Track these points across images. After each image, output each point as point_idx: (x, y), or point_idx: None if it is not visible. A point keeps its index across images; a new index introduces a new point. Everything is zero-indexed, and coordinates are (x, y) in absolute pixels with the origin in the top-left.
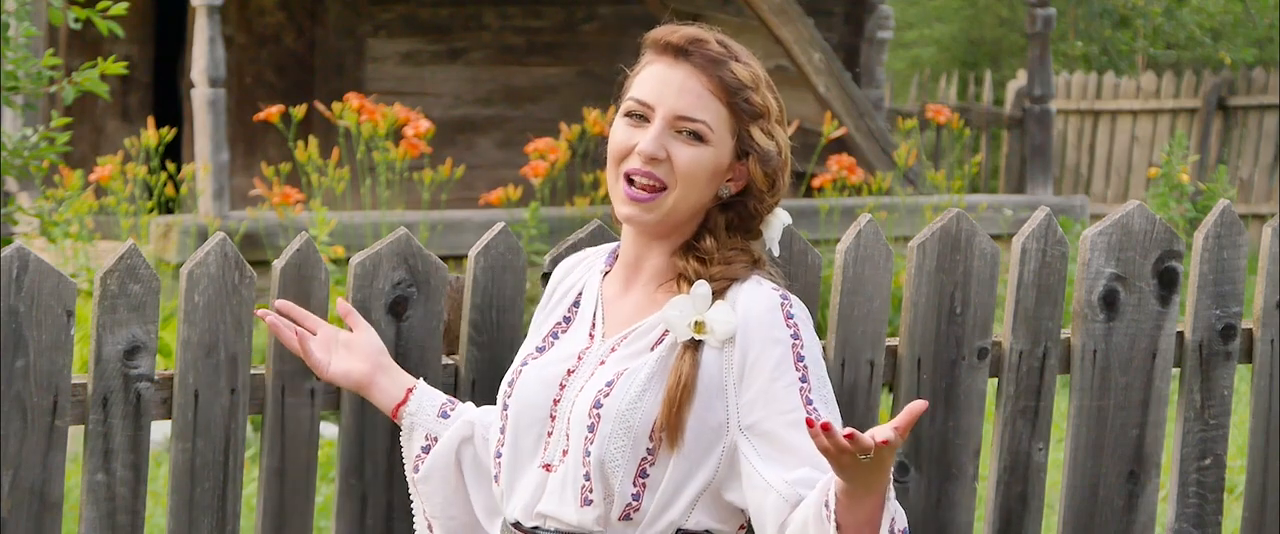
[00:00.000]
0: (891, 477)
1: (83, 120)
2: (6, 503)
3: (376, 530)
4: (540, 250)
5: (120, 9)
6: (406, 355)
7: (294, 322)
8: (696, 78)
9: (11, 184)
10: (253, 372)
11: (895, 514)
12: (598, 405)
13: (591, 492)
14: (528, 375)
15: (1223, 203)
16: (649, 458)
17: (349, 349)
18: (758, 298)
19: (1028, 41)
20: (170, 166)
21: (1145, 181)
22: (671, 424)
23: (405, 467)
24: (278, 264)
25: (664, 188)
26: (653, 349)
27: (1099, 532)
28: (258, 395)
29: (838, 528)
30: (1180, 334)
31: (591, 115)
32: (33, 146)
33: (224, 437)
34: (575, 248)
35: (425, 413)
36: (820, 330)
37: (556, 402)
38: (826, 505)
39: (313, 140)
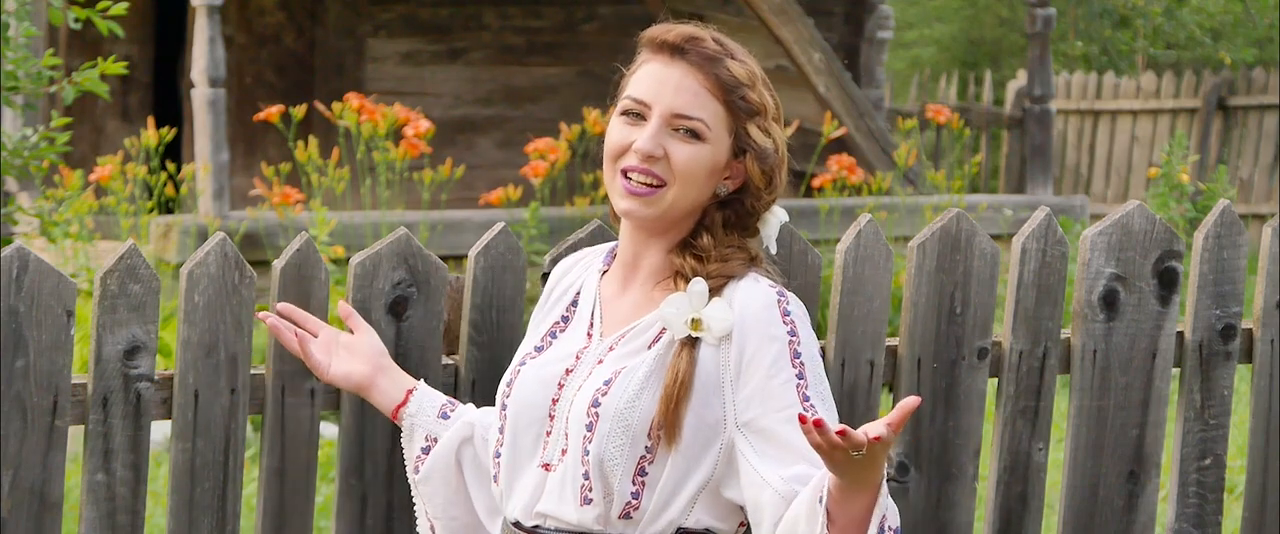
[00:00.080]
0: (886, 473)
1: (83, 120)
2: (6, 503)
3: (376, 530)
4: (540, 250)
5: (120, 9)
6: (406, 355)
7: (295, 323)
8: (693, 76)
9: (11, 184)
10: (253, 372)
11: (887, 511)
12: (596, 404)
13: (591, 491)
14: (526, 375)
15: (1223, 203)
16: (647, 456)
17: (349, 351)
18: (755, 295)
19: (1028, 41)
20: (170, 166)
21: (1145, 181)
22: (669, 422)
23: (406, 468)
24: (278, 264)
25: (663, 184)
26: (650, 347)
27: (1099, 532)
28: (258, 395)
29: (830, 522)
30: (1180, 334)
31: (591, 115)
32: (33, 146)
33: (224, 437)
34: (575, 248)
35: (425, 414)
36: (820, 330)
37: (555, 401)
38: (820, 500)
39: (313, 140)
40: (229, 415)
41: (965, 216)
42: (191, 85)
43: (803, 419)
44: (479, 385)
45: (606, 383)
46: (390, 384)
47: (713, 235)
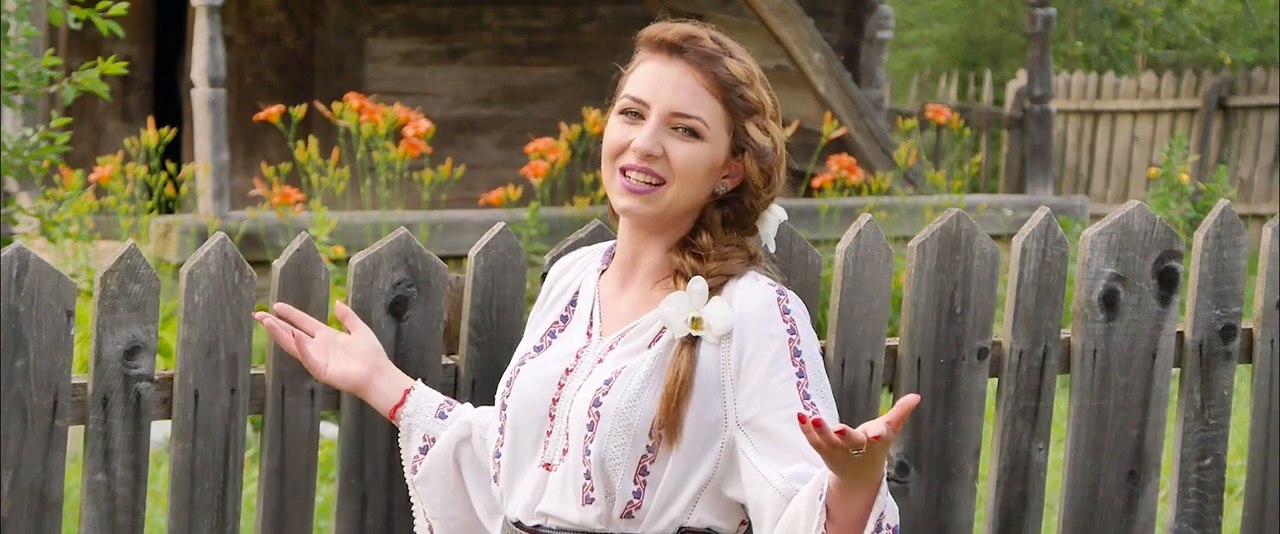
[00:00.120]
0: (886, 472)
1: (83, 120)
2: (6, 503)
3: (376, 530)
4: (540, 250)
5: (120, 9)
6: (406, 355)
7: (292, 324)
8: (691, 74)
9: (11, 184)
10: (253, 372)
11: (885, 509)
12: (597, 404)
13: (593, 490)
14: (526, 375)
15: (1223, 203)
16: (649, 455)
17: (346, 351)
18: (754, 293)
19: (1028, 41)
20: (170, 166)
21: (1145, 181)
22: (670, 421)
23: (404, 468)
24: (278, 264)
25: (662, 182)
26: (650, 346)
27: (1099, 532)
28: (258, 395)
29: (829, 519)
30: (1180, 334)
31: (591, 115)
32: (33, 146)
33: (224, 437)
34: (575, 248)
35: (423, 414)
36: (820, 330)
37: (555, 401)
38: (819, 498)
39: (313, 140)
40: (229, 415)
41: (965, 216)
42: (191, 85)
43: (802, 418)
44: (479, 385)
45: (607, 382)
46: (387, 384)
47: (712, 234)
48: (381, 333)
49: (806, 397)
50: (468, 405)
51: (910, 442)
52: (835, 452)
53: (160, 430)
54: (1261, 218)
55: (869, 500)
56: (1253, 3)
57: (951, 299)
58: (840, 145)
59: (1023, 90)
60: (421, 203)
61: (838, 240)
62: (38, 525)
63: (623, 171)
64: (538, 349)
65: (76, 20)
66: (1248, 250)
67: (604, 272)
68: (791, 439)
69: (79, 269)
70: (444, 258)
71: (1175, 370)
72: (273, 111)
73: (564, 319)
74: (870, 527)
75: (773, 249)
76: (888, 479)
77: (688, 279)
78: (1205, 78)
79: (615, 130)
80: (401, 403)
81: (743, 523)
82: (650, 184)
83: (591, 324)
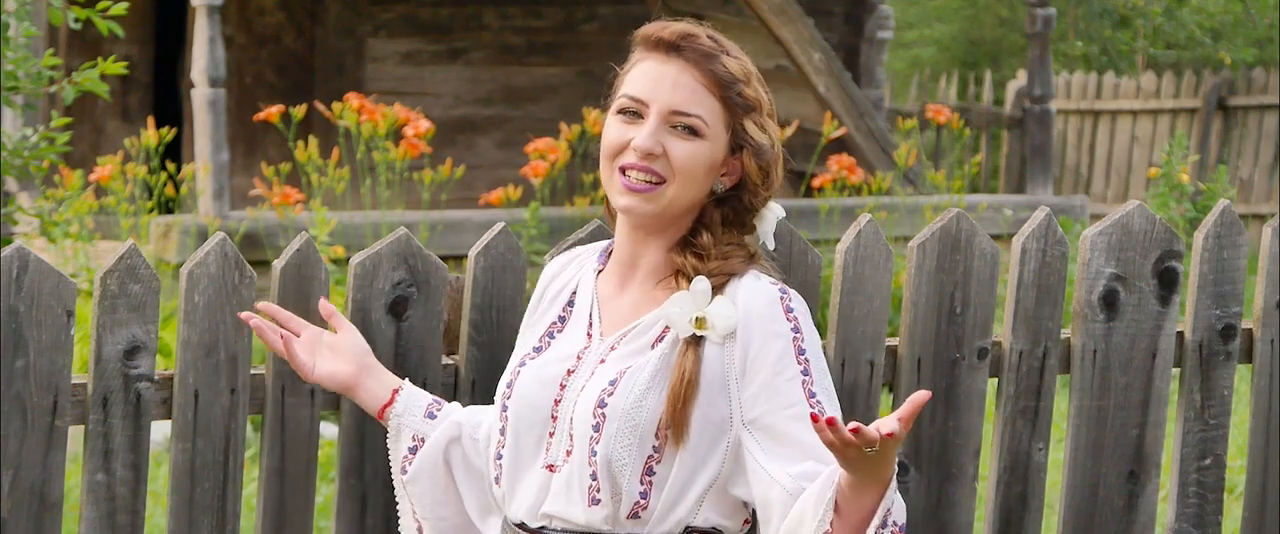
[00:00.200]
0: (896, 468)
1: (83, 120)
2: (6, 503)
3: (376, 530)
4: (540, 250)
5: (120, 9)
6: (406, 355)
7: (278, 323)
8: (690, 73)
9: (11, 184)
10: (253, 372)
11: (892, 506)
12: (602, 405)
13: (599, 491)
14: (526, 376)
15: (1223, 203)
16: (655, 456)
17: (333, 351)
18: (757, 292)
19: (1028, 41)
20: (170, 166)
21: (1145, 181)
22: (677, 421)
23: (391, 468)
24: (278, 264)
25: (662, 181)
26: (653, 347)
27: (1099, 532)
28: (258, 395)
29: (837, 516)
30: (1180, 334)
31: (591, 115)
32: (33, 146)
33: (224, 437)
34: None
35: (412, 414)
36: (820, 330)
37: (557, 402)
38: (829, 494)
39: (313, 140)
40: (229, 415)
41: (965, 216)
42: (191, 85)
43: (815, 418)
44: (479, 385)
45: (612, 383)
46: (376, 384)
47: (712, 233)
48: (381, 333)
49: (812, 395)
50: (456, 405)
51: (910, 442)
52: (849, 450)
53: (160, 430)
54: (1261, 218)
55: (878, 497)
56: (1253, 3)
57: (951, 299)
58: (840, 145)
59: (1023, 90)
60: (421, 203)
61: (838, 240)
62: (38, 525)
63: (622, 171)
64: (537, 350)
65: (76, 20)
66: (1248, 250)
67: (601, 271)
68: (798, 437)
69: (79, 269)
70: (444, 258)
71: (1175, 370)
72: (273, 111)
73: (562, 320)
74: (876, 523)
75: (771, 247)
76: None
77: (690, 279)
78: (1205, 78)
79: (614, 130)
80: (390, 403)
81: (746, 521)
82: (651, 183)
83: (591, 325)
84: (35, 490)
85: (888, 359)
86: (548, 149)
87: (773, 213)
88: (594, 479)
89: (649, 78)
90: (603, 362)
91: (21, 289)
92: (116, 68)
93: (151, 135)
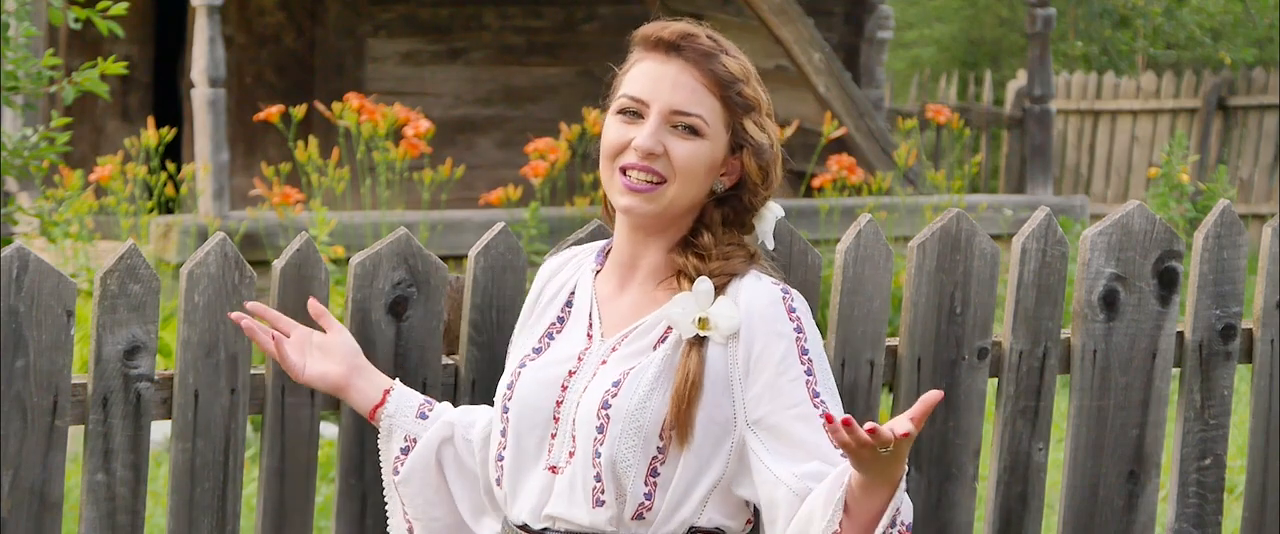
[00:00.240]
0: (906, 468)
1: (83, 120)
2: (6, 503)
3: (376, 530)
4: (540, 250)
5: (120, 9)
6: (406, 355)
7: (267, 323)
8: (689, 72)
9: (11, 184)
10: (253, 372)
11: (901, 506)
12: (606, 406)
13: (603, 492)
14: (526, 378)
15: (1223, 203)
16: (659, 457)
17: (324, 351)
18: (759, 292)
19: (1028, 41)
20: (170, 166)
21: (1145, 181)
22: (681, 422)
23: (382, 468)
24: (278, 264)
25: (663, 181)
26: (656, 348)
27: (1099, 532)
28: (258, 395)
29: (846, 516)
30: (1180, 334)
31: (591, 115)
32: (33, 146)
33: (224, 437)
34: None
35: (403, 414)
36: (820, 330)
37: (559, 404)
38: (839, 494)
39: (313, 140)
40: (229, 415)
41: (965, 216)
42: (191, 85)
43: (829, 419)
44: (479, 385)
45: (615, 385)
46: (367, 384)
47: (712, 233)
48: (381, 333)
49: (815, 395)
50: (448, 405)
51: None
52: (863, 451)
53: (160, 430)
54: (1261, 218)
55: (888, 498)
56: (1253, 3)
57: (951, 299)
58: (840, 145)
59: (1023, 90)
60: (421, 203)
61: (838, 240)
62: (38, 525)
63: (623, 171)
64: (537, 351)
65: (76, 20)
66: (1248, 250)
67: (599, 272)
68: (802, 437)
69: (79, 269)
70: (444, 258)
71: (1175, 370)
72: (273, 111)
73: (561, 321)
74: (884, 523)
75: (771, 246)
76: None
77: (691, 279)
78: (1205, 78)
79: (614, 130)
80: (381, 403)
81: (748, 521)
82: (651, 182)
83: (591, 326)
84: (35, 490)
85: (888, 359)
86: (548, 149)
87: (772, 212)
88: (598, 481)
89: (649, 78)
90: (604, 363)
91: (21, 289)
92: (116, 68)
93: (151, 135)
